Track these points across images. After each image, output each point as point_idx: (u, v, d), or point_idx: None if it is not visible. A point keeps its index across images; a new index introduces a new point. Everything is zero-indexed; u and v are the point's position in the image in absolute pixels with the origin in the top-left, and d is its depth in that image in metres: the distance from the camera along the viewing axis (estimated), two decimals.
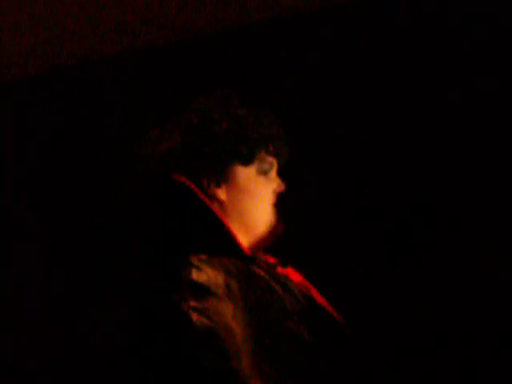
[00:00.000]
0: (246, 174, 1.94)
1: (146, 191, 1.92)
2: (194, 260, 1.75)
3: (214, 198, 1.90)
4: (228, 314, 1.68)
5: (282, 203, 2.00)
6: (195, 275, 1.72)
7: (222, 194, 1.91)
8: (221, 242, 1.83)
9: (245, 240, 1.89)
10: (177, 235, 1.85)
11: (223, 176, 1.92)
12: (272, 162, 1.99)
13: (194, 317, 1.66)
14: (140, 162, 1.94)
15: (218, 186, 1.91)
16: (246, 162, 1.93)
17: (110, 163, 3.30)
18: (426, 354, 2.65)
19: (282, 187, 2.00)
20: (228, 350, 1.64)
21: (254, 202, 1.94)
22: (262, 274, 1.80)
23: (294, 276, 1.94)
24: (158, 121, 1.98)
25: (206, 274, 1.72)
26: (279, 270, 1.93)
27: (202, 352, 1.64)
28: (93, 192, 3.35)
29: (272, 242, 1.98)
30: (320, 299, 1.92)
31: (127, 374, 1.82)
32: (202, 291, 1.70)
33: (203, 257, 1.76)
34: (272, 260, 1.97)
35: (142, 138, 1.96)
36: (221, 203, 1.90)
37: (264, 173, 1.96)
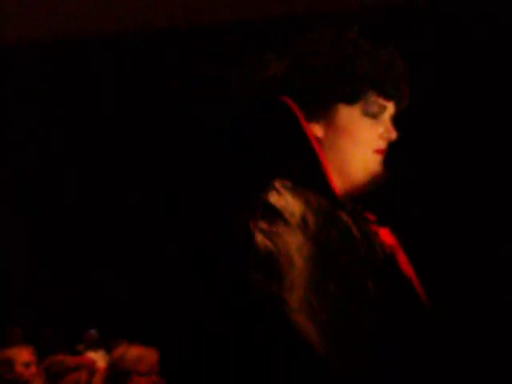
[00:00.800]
0: (348, 113, 1.84)
1: (249, 111, 1.87)
2: (278, 184, 1.70)
3: (312, 133, 1.82)
4: (294, 244, 1.62)
5: (391, 152, 1.88)
6: (273, 198, 1.67)
7: (319, 130, 1.84)
8: (312, 175, 1.77)
9: (337, 182, 1.80)
10: (269, 158, 1.80)
11: (324, 112, 1.84)
12: (384, 105, 1.87)
13: (259, 237, 1.62)
14: (246, 84, 1.88)
15: (317, 121, 1.83)
16: (349, 100, 1.83)
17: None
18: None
19: (393, 135, 1.88)
20: (282, 278, 1.59)
21: (353, 144, 1.84)
22: (345, 218, 1.73)
23: (387, 237, 1.84)
24: None
25: (284, 200, 1.67)
26: (372, 226, 1.82)
27: (256, 274, 1.59)
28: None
29: (370, 190, 1.87)
30: (406, 267, 1.81)
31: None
32: (275, 215, 1.65)
33: (288, 184, 1.71)
34: (371, 217, 1.86)
35: (252, 60, 1.89)
36: (317, 140, 1.82)
37: (372, 115, 1.85)
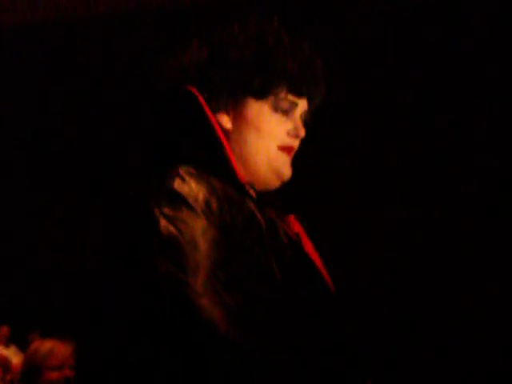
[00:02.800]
0: (257, 107, 1.85)
1: (157, 99, 1.88)
2: (182, 170, 1.71)
3: (219, 123, 1.84)
4: (198, 229, 1.63)
5: (299, 149, 1.89)
6: (177, 185, 1.68)
7: (228, 121, 1.85)
8: (217, 163, 1.78)
9: (242, 172, 1.82)
10: (172, 145, 1.81)
11: (234, 104, 1.85)
12: (295, 102, 1.88)
13: (163, 222, 1.63)
14: (160, 72, 1.89)
15: (227, 112, 1.85)
16: (260, 95, 1.85)
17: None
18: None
19: (302, 132, 1.89)
20: (186, 263, 1.59)
21: (259, 139, 1.85)
22: (250, 204, 1.74)
23: (292, 224, 1.87)
24: None
25: (188, 186, 1.68)
26: (277, 213, 1.85)
27: (160, 259, 1.59)
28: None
29: (277, 187, 1.91)
30: (311, 252, 1.84)
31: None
32: (179, 201, 1.66)
33: (192, 170, 1.72)
34: (276, 204, 1.89)
35: (172, 49, 1.90)
36: (224, 131, 1.84)
37: (282, 111, 1.87)
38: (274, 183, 1.91)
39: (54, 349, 3.81)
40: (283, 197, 1.92)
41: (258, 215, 1.74)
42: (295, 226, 1.88)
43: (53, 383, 3.78)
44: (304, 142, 1.91)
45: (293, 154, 1.92)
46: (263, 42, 1.86)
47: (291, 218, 1.89)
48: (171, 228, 1.62)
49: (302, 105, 1.92)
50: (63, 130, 6.03)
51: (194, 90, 1.83)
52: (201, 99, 1.82)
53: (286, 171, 1.90)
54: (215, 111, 1.85)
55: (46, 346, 3.84)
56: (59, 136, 6.31)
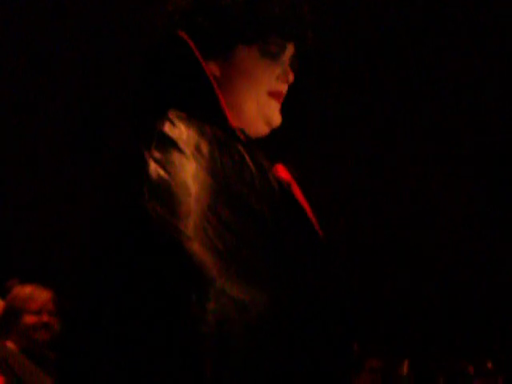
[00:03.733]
0: (246, 53, 1.83)
1: (148, 46, 1.85)
2: (172, 115, 1.68)
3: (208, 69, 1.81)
4: (189, 172, 1.60)
5: (288, 96, 1.88)
6: (167, 128, 1.65)
7: (217, 68, 1.83)
8: (206, 107, 1.75)
9: (232, 119, 1.79)
10: (163, 90, 1.78)
11: (223, 51, 1.83)
12: (283, 46, 1.87)
13: (152, 166, 1.60)
14: (146, 19, 1.87)
15: (216, 59, 1.83)
16: (249, 40, 1.83)
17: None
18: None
19: (290, 77, 1.89)
20: (177, 206, 1.57)
21: (249, 85, 1.84)
22: (240, 148, 1.72)
23: (282, 172, 1.84)
24: None
25: (178, 130, 1.65)
26: (266, 160, 1.81)
27: (150, 202, 1.57)
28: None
29: (266, 133, 1.90)
30: (301, 200, 1.82)
31: None
32: (169, 144, 1.63)
33: (182, 114, 1.69)
34: (265, 152, 1.85)
35: None
36: (214, 77, 1.81)
37: (271, 56, 1.85)
38: (264, 130, 1.90)
39: (33, 293, 3.81)
40: (272, 145, 1.90)
41: (249, 160, 1.71)
42: (285, 174, 1.86)
43: (31, 327, 3.79)
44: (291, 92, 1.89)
45: (281, 99, 1.90)
46: None
47: (280, 165, 1.87)
48: (161, 171, 1.60)
49: (290, 49, 1.90)
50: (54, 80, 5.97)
51: (185, 36, 1.80)
52: (191, 44, 1.79)
53: (276, 117, 1.89)
54: (204, 58, 1.82)
55: (25, 290, 3.84)
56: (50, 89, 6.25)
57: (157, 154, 1.62)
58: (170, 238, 1.54)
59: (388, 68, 4.23)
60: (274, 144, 1.91)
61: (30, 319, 3.77)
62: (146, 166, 1.60)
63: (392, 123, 4.28)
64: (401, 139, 4.15)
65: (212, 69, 1.82)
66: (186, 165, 1.61)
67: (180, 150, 1.63)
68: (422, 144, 4.00)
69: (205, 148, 1.65)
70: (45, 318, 3.78)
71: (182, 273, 1.53)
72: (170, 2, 1.87)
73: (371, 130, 3.89)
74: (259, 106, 1.85)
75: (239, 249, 1.60)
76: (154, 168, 1.60)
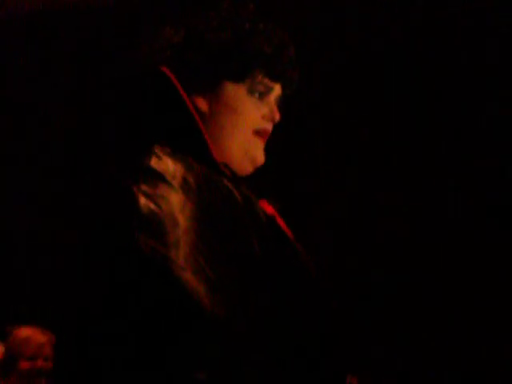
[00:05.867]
0: (234, 90, 1.88)
1: (134, 81, 1.90)
2: (157, 149, 1.72)
3: (194, 105, 1.86)
4: (177, 204, 1.64)
5: (273, 134, 1.92)
6: (153, 162, 1.69)
7: (204, 104, 1.87)
8: (191, 143, 1.80)
9: (216, 155, 1.83)
10: (147, 125, 1.82)
11: (210, 86, 1.87)
12: (271, 86, 1.92)
13: (142, 200, 1.63)
14: (136, 54, 1.91)
15: (203, 95, 1.87)
16: (236, 78, 1.87)
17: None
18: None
19: (276, 116, 1.93)
20: (167, 238, 1.60)
21: (235, 122, 1.87)
22: (226, 182, 1.76)
23: (266, 207, 1.88)
24: None
25: (164, 164, 1.69)
26: (252, 195, 1.85)
27: (141, 235, 1.60)
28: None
29: (250, 171, 1.93)
30: (286, 230, 1.86)
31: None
32: (157, 178, 1.67)
33: (168, 149, 1.73)
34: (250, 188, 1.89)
35: (151, 31, 1.92)
36: (200, 113, 1.86)
37: (258, 95, 1.90)
38: (248, 168, 1.93)
39: (29, 337, 3.78)
40: (256, 181, 1.93)
41: (235, 192, 1.75)
42: (269, 209, 1.90)
43: (26, 373, 3.76)
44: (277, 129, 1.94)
45: (266, 138, 1.95)
46: (240, 26, 1.89)
47: (264, 200, 1.91)
48: (151, 205, 1.63)
49: (277, 89, 1.95)
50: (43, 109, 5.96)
51: (168, 71, 1.85)
52: (174, 80, 1.84)
53: (260, 156, 1.93)
54: (191, 93, 1.87)
55: (22, 334, 3.82)
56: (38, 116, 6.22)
57: (145, 188, 1.65)
58: (162, 267, 1.57)
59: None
60: (257, 179, 1.95)
61: (24, 365, 3.75)
62: (135, 199, 1.64)
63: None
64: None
65: (199, 103, 1.87)
66: (174, 197, 1.65)
67: (168, 183, 1.66)
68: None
69: (192, 180, 1.69)
70: (39, 364, 3.76)
71: (175, 302, 1.56)
72: (160, 36, 1.91)
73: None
74: (244, 144, 1.89)
75: (229, 278, 1.63)
76: (143, 202, 1.63)
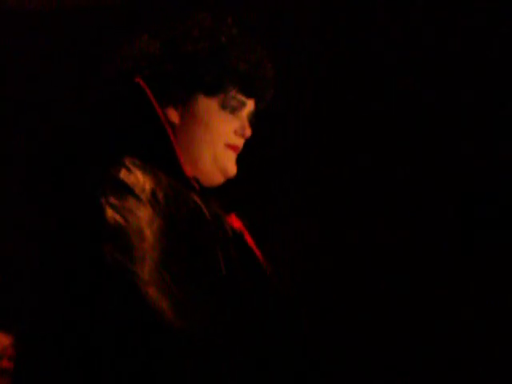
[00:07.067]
0: (206, 103, 1.89)
1: (106, 90, 1.92)
2: (127, 161, 1.73)
3: (166, 117, 1.87)
4: (144, 218, 1.65)
5: (245, 149, 1.94)
6: (123, 174, 1.70)
7: (176, 115, 1.88)
8: (161, 155, 1.81)
9: (187, 168, 1.85)
10: (119, 137, 1.83)
11: (183, 98, 1.88)
12: (243, 102, 1.93)
13: (109, 212, 1.64)
14: (111, 62, 1.92)
15: (175, 106, 1.88)
16: (209, 92, 1.88)
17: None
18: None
19: (248, 132, 1.94)
20: (133, 252, 1.61)
21: (206, 135, 1.89)
22: (195, 197, 1.77)
23: (234, 222, 1.91)
24: None
25: (134, 176, 1.70)
26: (220, 209, 1.88)
27: (106, 248, 1.61)
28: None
29: (220, 182, 1.94)
30: (254, 247, 1.89)
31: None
32: (125, 191, 1.68)
33: (138, 162, 1.74)
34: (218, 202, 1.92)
35: (126, 41, 1.93)
36: (172, 125, 1.87)
37: (231, 110, 1.91)
38: (219, 179, 1.95)
39: None
40: (225, 195, 1.95)
41: (203, 208, 1.77)
42: (237, 224, 1.92)
43: None
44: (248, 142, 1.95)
45: (238, 152, 1.96)
46: (217, 39, 1.90)
47: (233, 215, 1.94)
48: (118, 217, 1.64)
49: (250, 105, 1.96)
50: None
51: (142, 83, 1.86)
52: (148, 92, 1.85)
53: (231, 168, 1.95)
54: (164, 105, 1.88)
55: None
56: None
57: (113, 200, 1.66)
58: (126, 281, 1.59)
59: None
60: (227, 194, 1.96)
61: None
62: (102, 211, 1.64)
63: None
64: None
65: (170, 115, 1.88)
66: (142, 211, 1.66)
67: (136, 197, 1.68)
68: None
69: (160, 195, 1.70)
70: (4, 364, 3.80)
71: (138, 316, 1.58)
72: (137, 45, 1.92)
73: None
74: (215, 156, 1.90)
75: (194, 294, 1.65)
76: (110, 214, 1.64)
